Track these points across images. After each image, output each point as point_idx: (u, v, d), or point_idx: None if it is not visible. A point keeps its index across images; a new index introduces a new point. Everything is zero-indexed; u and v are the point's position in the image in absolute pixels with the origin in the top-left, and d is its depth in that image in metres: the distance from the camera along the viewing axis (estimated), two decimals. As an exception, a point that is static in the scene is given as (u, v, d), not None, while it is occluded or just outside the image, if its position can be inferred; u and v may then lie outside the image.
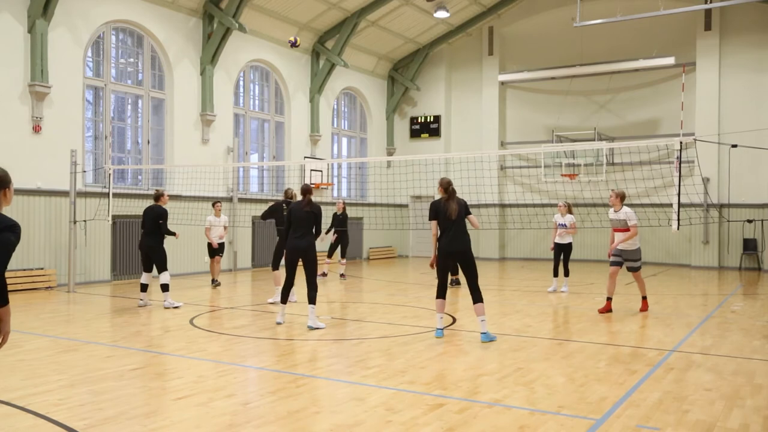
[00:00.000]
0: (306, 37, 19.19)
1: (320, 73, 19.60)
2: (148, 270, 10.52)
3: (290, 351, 7.27)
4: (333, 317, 9.54)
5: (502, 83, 21.70)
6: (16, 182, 3.68)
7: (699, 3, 18.15)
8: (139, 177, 15.38)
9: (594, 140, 18.96)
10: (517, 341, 7.69)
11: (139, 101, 15.30)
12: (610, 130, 20.18)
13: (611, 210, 9.83)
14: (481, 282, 7.89)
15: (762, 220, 17.70)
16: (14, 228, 3.40)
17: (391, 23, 20.34)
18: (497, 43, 21.77)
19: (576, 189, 18.69)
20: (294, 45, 12.76)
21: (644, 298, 10.15)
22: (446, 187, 7.84)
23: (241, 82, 17.96)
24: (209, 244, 13.66)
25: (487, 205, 20.01)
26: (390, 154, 22.99)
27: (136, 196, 14.48)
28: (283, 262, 9.22)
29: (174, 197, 14.33)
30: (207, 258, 13.72)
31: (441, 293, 7.91)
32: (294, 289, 9.83)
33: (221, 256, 13.80)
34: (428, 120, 22.81)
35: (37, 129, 12.68)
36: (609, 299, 9.99)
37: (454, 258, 7.86)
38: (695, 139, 9.86)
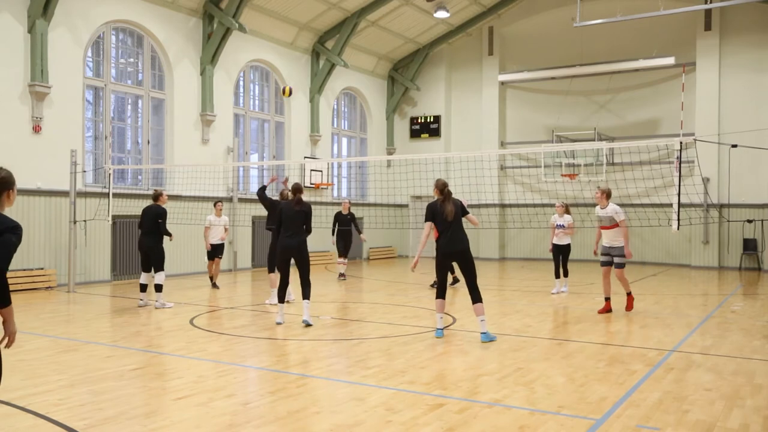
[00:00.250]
0: (306, 37, 19.20)
1: (320, 73, 19.60)
2: (148, 270, 10.52)
3: (290, 351, 7.27)
4: (333, 317, 9.54)
5: (502, 83, 21.70)
6: (16, 182, 3.70)
7: (699, 3, 18.15)
8: (139, 177, 15.38)
9: (594, 140, 18.96)
10: (517, 341, 7.69)
11: (139, 101, 15.30)
12: (610, 130, 20.18)
13: (598, 207, 9.83)
14: (482, 282, 7.90)
15: (762, 220, 17.70)
16: (16, 229, 3.42)
17: (391, 23, 20.34)
18: (497, 43, 21.77)
19: (576, 189, 18.70)
20: (284, 93, 12.46)
21: (629, 294, 10.06)
22: (442, 188, 7.87)
23: (241, 82, 17.96)
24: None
25: (487, 205, 20.02)
26: (390, 154, 22.99)
27: (136, 196, 14.48)
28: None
29: (174, 197, 14.33)
30: (206, 259, 13.51)
31: (441, 293, 7.92)
32: (290, 288, 9.85)
33: (221, 258, 13.40)
34: (428, 120, 22.81)
35: (37, 129, 12.68)
36: (607, 299, 10.00)
37: (454, 258, 7.87)
38: (695, 139, 9.86)
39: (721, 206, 18.07)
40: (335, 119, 21.30)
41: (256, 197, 11.05)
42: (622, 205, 10.59)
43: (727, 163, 17.86)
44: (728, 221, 17.23)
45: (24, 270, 12.26)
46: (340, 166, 21.61)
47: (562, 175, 19.67)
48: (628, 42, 19.55)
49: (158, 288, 10.25)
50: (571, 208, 12.92)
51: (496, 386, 5.65)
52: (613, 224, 9.60)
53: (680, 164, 8.93)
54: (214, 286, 13.10)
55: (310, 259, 8.88)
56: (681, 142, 8.91)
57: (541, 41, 21.19)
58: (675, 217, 8.90)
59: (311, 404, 5.14)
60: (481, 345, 7.44)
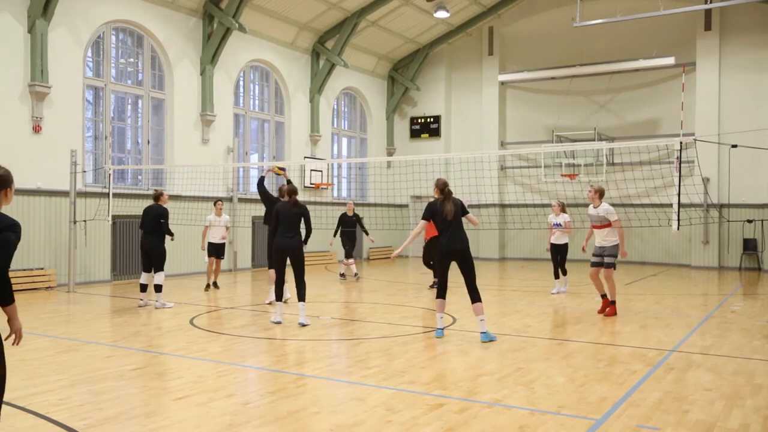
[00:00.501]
0: (306, 37, 19.21)
1: (320, 73, 19.60)
2: (148, 270, 10.53)
3: (290, 351, 7.28)
4: (333, 317, 9.54)
5: (502, 83, 21.71)
6: (16, 182, 3.70)
7: (699, 3, 18.15)
8: (139, 177, 15.38)
9: (594, 140, 18.97)
10: (517, 341, 7.69)
11: (139, 101, 15.30)
12: (610, 130, 20.18)
13: (590, 206, 9.77)
14: (482, 282, 7.90)
15: (762, 220, 17.70)
16: (15, 227, 3.43)
17: (391, 23, 20.34)
18: (497, 43, 21.78)
19: (576, 189, 18.68)
20: (279, 174, 12.30)
21: (613, 302, 9.71)
22: (442, 188, 7.88)
23: (241, 82, 17.97)
24: (209, 244, 13.19)
25: (487, 205, 20.01)
26: (390, 154, 23.00)
27: (136, 196, 14.48)
28: None
29: (174, 197, 14.32)
30: (206, 258, 13.33)
31: (441, 293, 7.92)
32: (286, 287, 9.86)
33: (222, 259, 13.12)
34: (428, 120, 22.81)
35: (37, 129, 12.68)
36: (604, 296, 9.94)
37: (453, 257, 7.86)
38: (695, 139, 9.85)
39: (721, 206, 18.07)
40: (335, 119, 21.30)
41: (257, 197, 11.06)
42: (622, 206, 10.58)
43: (727, 163, 17.87)
44: (728, 221, 17.23)
45: (24, 270, 12.26)
46: (340, 166, 21.61)
47: (562, 176, 19.67)
48: (628, 42, 19.55)
49: (158, 288, 10.25)
50: (571, 209, 12.91)
51: (496, 386, 5.65)
52: (605, 224, 9.56)
53: (680, 164, 8.92)
54: (207, 288, 12.75)
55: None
56: (681, 142, 8.91)
57: (541, 41, 21.19)
58: (675, 217, 8.89)
59: (311, 404, 5.14)
60: (481, 345, 7.44)
